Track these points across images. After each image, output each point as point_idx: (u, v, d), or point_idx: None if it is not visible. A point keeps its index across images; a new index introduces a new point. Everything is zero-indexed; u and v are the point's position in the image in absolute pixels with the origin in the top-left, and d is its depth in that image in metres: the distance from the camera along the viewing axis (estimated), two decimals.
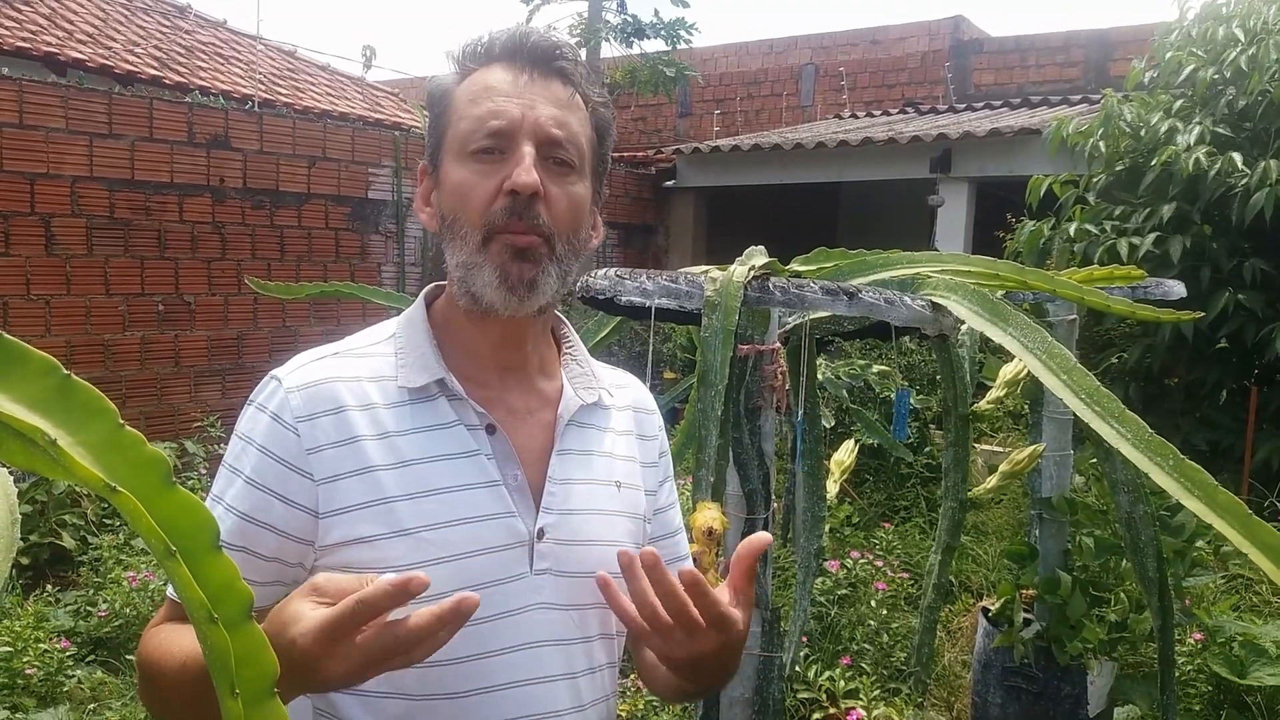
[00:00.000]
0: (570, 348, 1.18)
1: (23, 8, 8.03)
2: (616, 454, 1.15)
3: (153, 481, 0.60)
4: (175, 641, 0.96)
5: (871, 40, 12.26)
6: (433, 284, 1.14)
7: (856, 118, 11.36)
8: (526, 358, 1.11)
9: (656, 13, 10.98)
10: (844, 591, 4.05)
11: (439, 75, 1.08)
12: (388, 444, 1.01)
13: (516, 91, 1.02)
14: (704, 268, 1.90)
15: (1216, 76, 4.78)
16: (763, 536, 0.95)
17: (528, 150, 1.00)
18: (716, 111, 12.91)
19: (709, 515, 1.60)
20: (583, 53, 10.92)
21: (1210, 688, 3.26)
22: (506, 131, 1.00)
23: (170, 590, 1.03)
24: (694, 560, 1.53)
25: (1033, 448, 2.85)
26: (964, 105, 10.63)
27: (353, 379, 1.04)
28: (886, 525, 5.18)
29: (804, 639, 3.48)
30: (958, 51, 11.53)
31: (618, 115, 1.19)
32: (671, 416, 1.36)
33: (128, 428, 0.59)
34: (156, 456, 0.60)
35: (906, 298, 1.56)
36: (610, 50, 11.27)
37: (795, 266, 1.93)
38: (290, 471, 0.99)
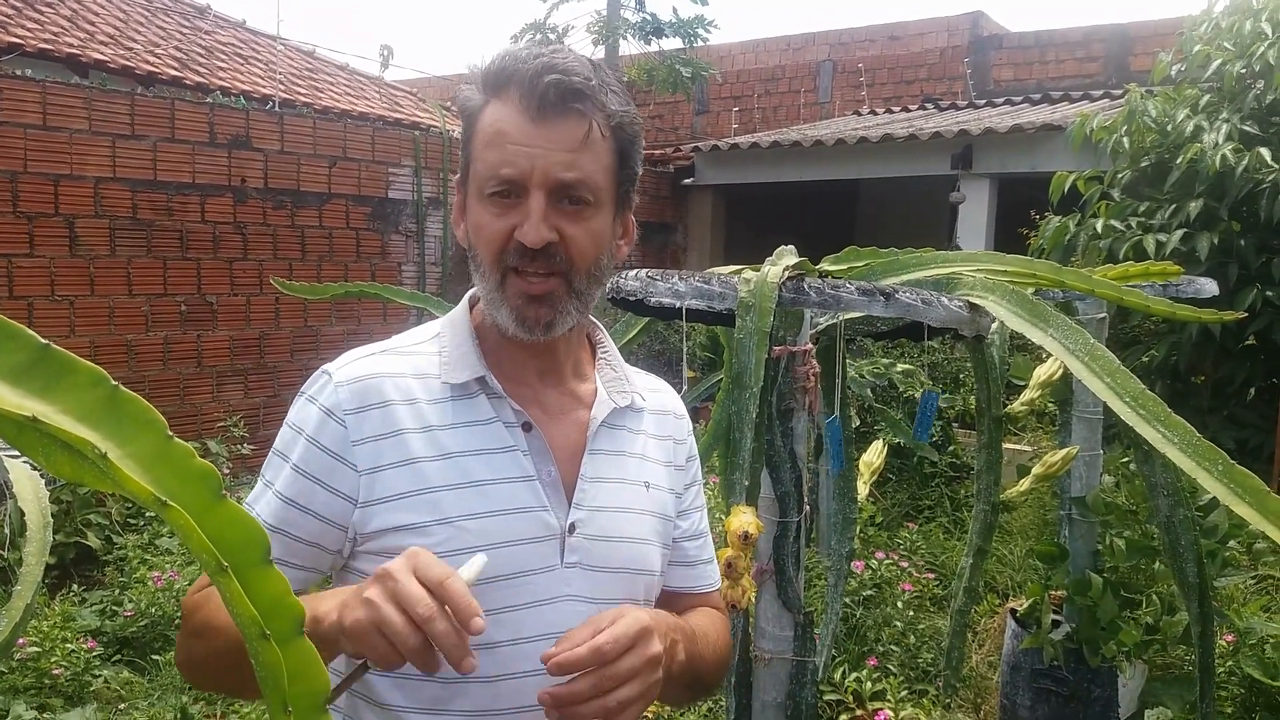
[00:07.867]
0: (605, 353, 1.23)
1: (45, 9, 8.06)
2: (648, 456, 1.19)
3: (203, 495, 0.58)
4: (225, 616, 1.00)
5: (890, 36, 12.19)
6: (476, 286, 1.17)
7: (875, 114, 11.29)
8: (560, 364, 1.16)
9: (675, 11, 10.95)
10: (869, 592, 4.02)
11: (466, 89, 1.08)
12: (430, 437, 1.06)
13: (528, 139, 1.01)
14: (734, 268, 1.88)
15: (1244, 71, 4.72)
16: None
17: (536, 204, 1.02)
18: (734, 109, 12.86)
19: (744, 520, 1.58)
20: (601, 50, 10.91)
21: (1242, 690, 3.22)
22: (517, 180, 1.02)
23: None
24: (729, 565, 1.52)
25: (1067, 450, 2.81)
26: (983, 101, 10.55)
27: (398, 375, 1.09)
28: (910, 525, 5.14)
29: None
30: (977, 47, 11.45)
31: None
32: (693, 416, 1.37)
33: (177, 440, 0.58)
34: (206, 469, 0.58)
35: (943, 298, 1.53)
36: (628, 48, 11.25)
37: (826, 266, 1.91)
38: (335, 461, 1.05)
